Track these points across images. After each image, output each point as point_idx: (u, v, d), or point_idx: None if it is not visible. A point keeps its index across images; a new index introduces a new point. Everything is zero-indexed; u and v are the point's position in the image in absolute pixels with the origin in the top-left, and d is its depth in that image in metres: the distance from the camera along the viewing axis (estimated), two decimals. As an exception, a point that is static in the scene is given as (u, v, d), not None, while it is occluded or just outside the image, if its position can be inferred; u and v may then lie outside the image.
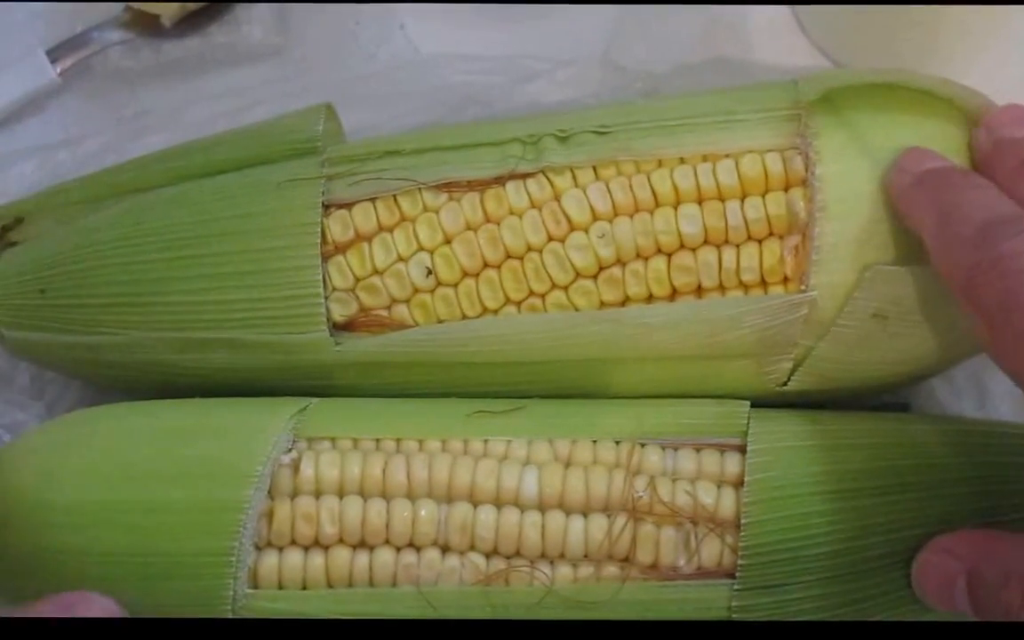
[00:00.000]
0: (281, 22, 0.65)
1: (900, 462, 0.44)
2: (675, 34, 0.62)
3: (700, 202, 0.48)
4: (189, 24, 0.66)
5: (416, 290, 0.49)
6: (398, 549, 0.44)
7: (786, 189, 0.47)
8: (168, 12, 0.65)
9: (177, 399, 0.51)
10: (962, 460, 0.45)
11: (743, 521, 0.43)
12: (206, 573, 0.43)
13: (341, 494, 0.45)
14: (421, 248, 0.49)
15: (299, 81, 0.56)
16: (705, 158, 0.48)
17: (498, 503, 0.44)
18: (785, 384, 0.49)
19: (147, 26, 0.65)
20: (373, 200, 0.50)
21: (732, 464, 0.45)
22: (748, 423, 0.46)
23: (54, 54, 0.65)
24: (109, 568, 0.44)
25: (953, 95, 0.48)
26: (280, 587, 0.44)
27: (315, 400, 0.49)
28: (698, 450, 0.46)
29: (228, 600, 0.43)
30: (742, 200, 0.48)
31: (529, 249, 0.48)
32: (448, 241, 0.49)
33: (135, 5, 0.65)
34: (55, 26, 0.66)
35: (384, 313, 0.50)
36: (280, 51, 0.65)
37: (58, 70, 0.65)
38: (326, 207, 0.50)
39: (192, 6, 0.65)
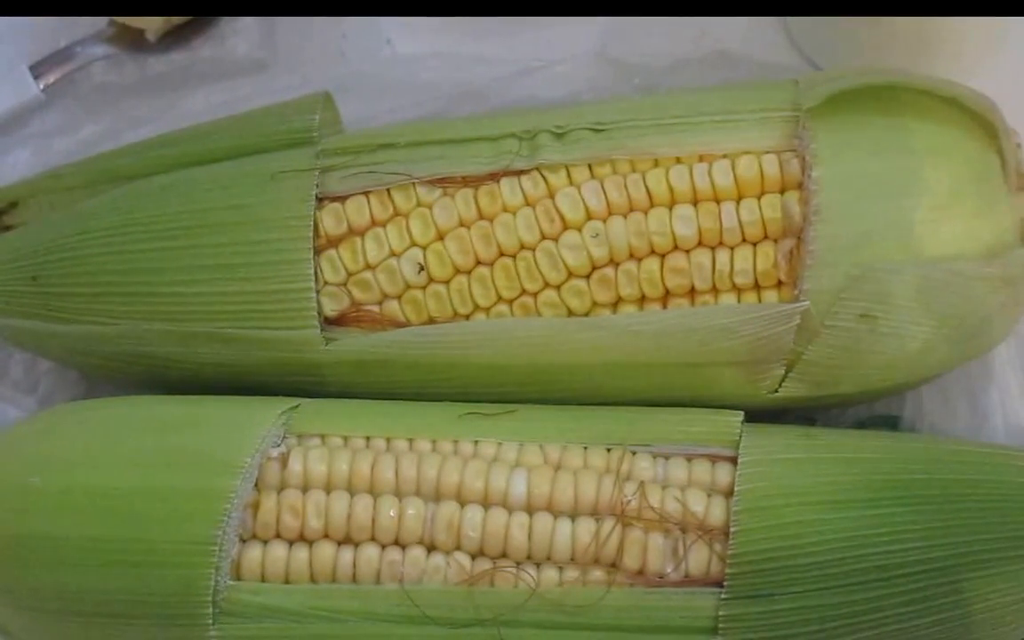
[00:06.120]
0: (266, 36, 0.65)
1: (892, 477, 0.44)
2: (674, 28, 0.62)
3: (695, 203, 0.47)
4: (174, 38, 0.65)
5: (408, 286, 0.49)
6: (383, 546, 0.44)
7: (782, 191, 0.47)
8: (153, 26, 0.64)
9: (169, 395, 0.51)
10: (953, 478, 0.44)
11: (732, 529, 0.42)
12: (188, 562, 0.43)
13: (328, 489, 0.45)
14: (414, 244, 0.49)
15: (285, 95, 0.56)
16: (702, 158, 0.48)
17: (485, 503, 0.44)
18: (776, 391, 0.48)
19: (131, 41, 0.65)
20: (367, 194, 0.49)
21: (723, 474, 0.45)
22: (740, 435, 0.45)
23: (37, 70, 0.64)
24: (90, 554, 0.44)
25: (957, 95, 0.48)
26: (263, 580, 0.44)
27: (307, 400, 0.49)
28: (689, 459, 0.45)
29: (209, 591, 0.43)
30: (737, 202, 0.47)
31: (522, 247, 0.48)
32: (441, 237, 0.49)
33: (119, 19, 0.65)
34: (38, 41, 0.65)
35: (375, 308, 0.49)
36: (265, 66, 0.65)
37: (41, 86, 0.64)
38: (319, 200, 0.49)
39: (177, 20, 0.65)
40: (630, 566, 0.43)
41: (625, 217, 0.48)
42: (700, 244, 0.47)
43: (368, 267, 0.49)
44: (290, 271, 0.49)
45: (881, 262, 0.45)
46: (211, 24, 0.65)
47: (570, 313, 0.48)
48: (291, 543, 0.44)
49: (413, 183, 0.49)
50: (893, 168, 0.47)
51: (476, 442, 0.46)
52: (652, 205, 0.48)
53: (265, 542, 0.44)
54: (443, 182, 0.49)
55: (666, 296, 0.48)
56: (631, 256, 0.48)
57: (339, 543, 0.44)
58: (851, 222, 0.46)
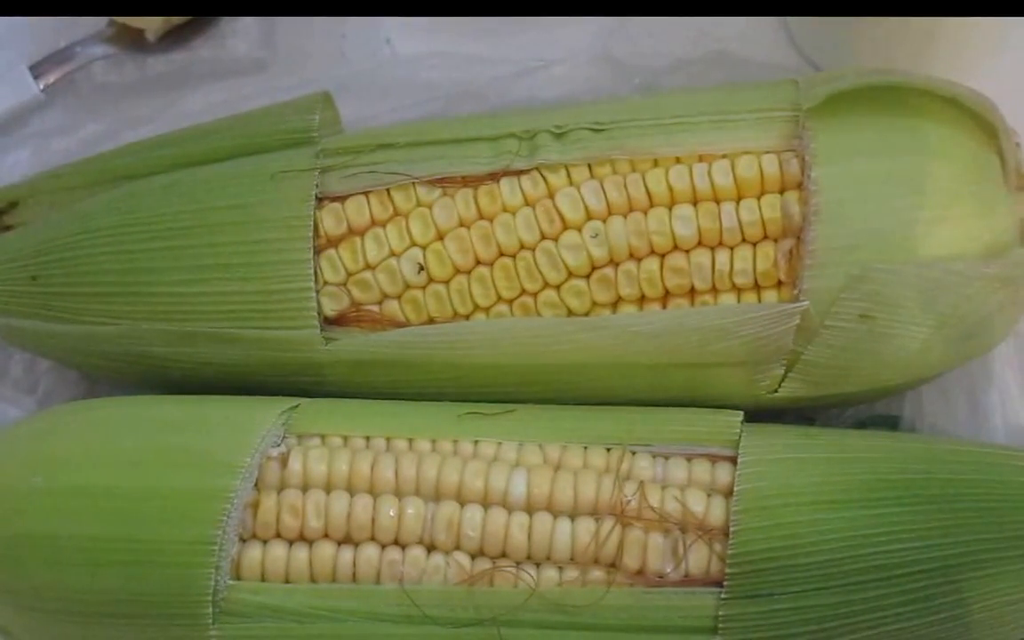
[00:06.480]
0: (266, 36, 0.65)
1: (891, 477, 0.44)
2: (674, 28, 0.62)
3: (695, 203, 0.47)
4: (174, 38, 0.65)
5: (408, 286, 0.49)
6: (383, 546, 0.44)
7: (781, 191, 0.47)
8: (152, 26, 0.64)
9: (169, 395, 0.50)
10: (953, 478, 0.44)
11: (732, 529, 0.42)
12: (188, 562, 0.43)
13: (328, 489, 0.45)
14: (414, 243, 0.49)
15: (285, 95, 0.56)
16: (701, 158, 0.48)
17: (485, 503, 0.44)
18: (776, 391, 0.48)
19: (131, 40, 0.65)
20: (367, 194, 0.49)
21: (723, 474, 0.45)
22: (740, 434, 0.45)
23: (37, 70, 0.64)
24: (91, 554, 0.44)
25: (957, 95, 0.48)
26: (263, 580, 0.44)
27: (307, 400, 0.49)
28: (689, 459, 0.45)
29: (209, 591, 0.43)
30: (737, 202, 0.47)
31: (522, 247, 0.48)
32: (441, 237, 0.49)
33: (119, 19, 0.65)
34: (38, 41, 0.65)
35: (375, 308, 0.49)
36: (265, 66, 0.65)
37: (41, 86, 0.64)
38: (319, 200, 0.49)
39: (177, 20, 0.65)
40: (630, 566, 0.43)
41: (625, 217, 0.48)
42: (700, 244, 0.47)
43: (368, 267, 0.49)
44: (290, 271, 0.49)
45: (881, 262, 0.45)
46: (211, 24, 0.65)
47: (570, 313, 0.48)
48: (291, 543, 0.44)
49: (413, 183, 0.49)
50: (893, 168, 0.46)
51: (476, 442, 0.46)
52: (652, 205, 0.48)
53: (265, 542, 0.44)
54: (443, 182, 0.49)
55: (666, 296, 0.48)
56: (631, 256, 0.48)
57: (339, 543, 0.44)
58: (851, 222, 0.46)
